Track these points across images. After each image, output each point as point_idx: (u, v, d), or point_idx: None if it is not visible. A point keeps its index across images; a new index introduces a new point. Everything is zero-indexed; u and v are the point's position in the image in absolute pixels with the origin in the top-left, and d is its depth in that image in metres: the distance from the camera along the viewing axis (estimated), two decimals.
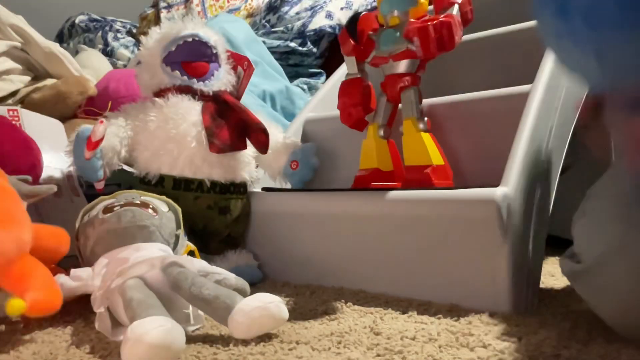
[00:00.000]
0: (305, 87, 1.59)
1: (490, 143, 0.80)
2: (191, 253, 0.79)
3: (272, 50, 1.59)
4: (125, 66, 1.84)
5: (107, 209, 0.75)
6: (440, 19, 0.73)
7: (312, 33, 1.64)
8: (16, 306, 0.57)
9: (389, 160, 0.82)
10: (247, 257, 0.87)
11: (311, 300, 0.73)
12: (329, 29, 1.64)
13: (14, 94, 1.22)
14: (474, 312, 0.63)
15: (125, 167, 0.89)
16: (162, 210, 0.78)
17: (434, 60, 0.80)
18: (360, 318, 0.64)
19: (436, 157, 0.75)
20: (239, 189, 0.87)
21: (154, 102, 0.86)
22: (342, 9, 1.69)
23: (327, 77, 1.27)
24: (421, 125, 0.77)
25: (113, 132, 0.83)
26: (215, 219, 0.86)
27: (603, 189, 0.57)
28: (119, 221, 0.73)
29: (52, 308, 0.62)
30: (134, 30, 2.10)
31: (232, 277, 0.68)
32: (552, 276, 0.82)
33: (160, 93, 0.86)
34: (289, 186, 0.96)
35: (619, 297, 0.52)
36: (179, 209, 0.80)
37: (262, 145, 0.86)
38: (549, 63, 0.76)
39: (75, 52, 1.77)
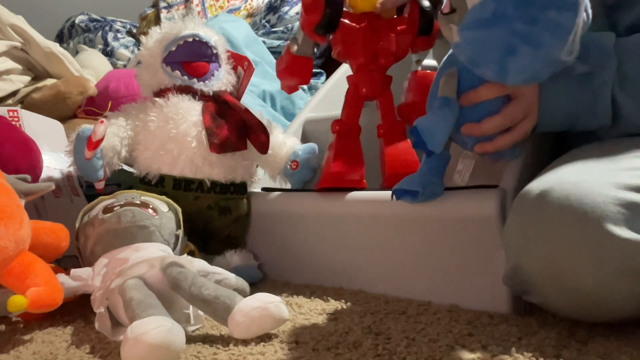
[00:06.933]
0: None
1: None
2: (191, 253, 0.79)
3: (272, 50, 1.59)
4: (125, 66, 1.84)
5: (107, 209, 0.75)
6: None
7: None
8: (17, 303, 0.57)
9: None
10: (247, 257, 0.87)
11: (311, 300, 0.73)
12: None
13: (14, 94, 1.22)
14: (474, 313, 0.63)
15: (125, 167, 0.89)
16: (162, 210, 0.78)
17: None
18: (360, 318, 0.64)
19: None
20: (239, 189, 0.87)
21: (154, 102, 0.86)
22: None
23: (327, 77, 1.27)
24: None
25: (113, 132, 0.83)
26: (215, 219, 0.86)
27: None
28: (119, 221, 0.73)
29: (53, 304, 0.62)
30: (134, 30, 2.10)
31: (232, 277, 0.68)
32: None
33: (161, 93, 0.86)
34: (289, 186, 0.96)
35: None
36: (179, 209, 0.80)
37: (262, 145, 0.86)
38: None
39: (75, 52, 1.78)
